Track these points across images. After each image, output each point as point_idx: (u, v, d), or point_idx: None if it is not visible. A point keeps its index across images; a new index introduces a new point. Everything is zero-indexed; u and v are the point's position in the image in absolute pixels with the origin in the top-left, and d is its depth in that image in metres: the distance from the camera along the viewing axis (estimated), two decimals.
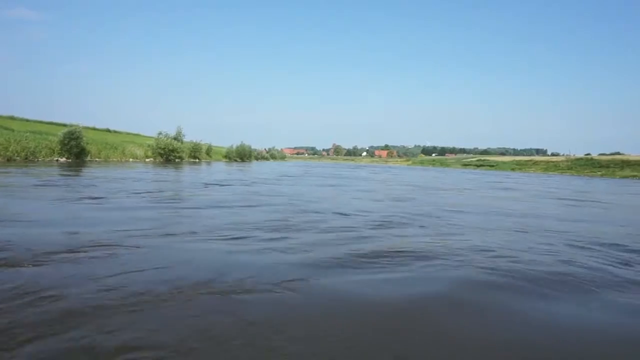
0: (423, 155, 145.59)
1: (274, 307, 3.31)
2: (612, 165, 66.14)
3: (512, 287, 4.06)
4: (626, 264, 5.24)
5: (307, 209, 9.39)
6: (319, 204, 10.43)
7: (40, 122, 39.71)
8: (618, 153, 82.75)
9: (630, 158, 69.02)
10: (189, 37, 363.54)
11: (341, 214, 8.80)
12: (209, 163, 43.00)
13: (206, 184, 15.33)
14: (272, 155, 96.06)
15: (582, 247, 6.18)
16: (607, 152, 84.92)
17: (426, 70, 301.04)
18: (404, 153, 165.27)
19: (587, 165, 69.83)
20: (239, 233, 6.05)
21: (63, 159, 24.71)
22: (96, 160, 27.85)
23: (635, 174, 58.05)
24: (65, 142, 25.27)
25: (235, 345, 2.62)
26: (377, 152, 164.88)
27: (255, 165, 45.20)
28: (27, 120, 38.65)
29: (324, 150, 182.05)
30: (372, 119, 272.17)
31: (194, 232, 6.06)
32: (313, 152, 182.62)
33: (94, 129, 46.35)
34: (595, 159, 73.56)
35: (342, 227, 6.99)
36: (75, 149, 25.89)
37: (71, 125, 26.24)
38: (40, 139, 24.81)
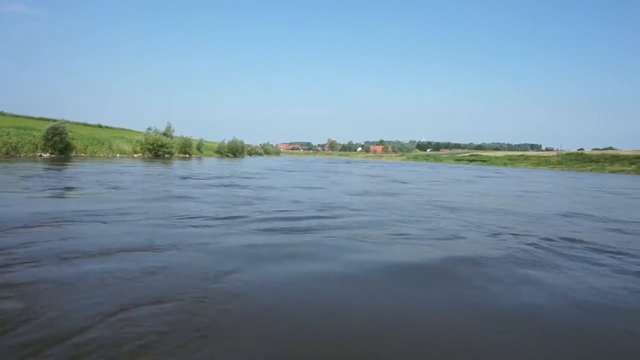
0: (417, 151, 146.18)
1: (178, 260, 4.22)
2: (602, 160, 66.57)
3: (405, 270, 4.46)
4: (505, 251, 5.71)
5: (264, 197, 9.84)
6: (280, 195, 10.78)
7: (30, 117, 39.53)
8: (611, 148, 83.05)
9: (620, 153, 69.39)
10: (188, 35, 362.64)
11: (294, 201, 9.26)
12: (199, 158, 43.16)
13: (183, 177, 15.64)
14: (266, 150, 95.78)
15: (482, 236, 6.75)
16: (601, 147, 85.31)
17: (422, 66, 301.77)
18: (399, 148, 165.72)
19: (577, 160, 70.29)
20: (183, 219, 6.54)
21: (46, 155, 24.77)
22: (81, 156, 27.94)
23: (624, 168, 58.57)
24: (49, 137, 25.10)
25: (136, 277, 3.61)
26: (372, 148, 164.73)
27: (246, 161, 45.44)
28: (16, 116, 38.57)
29: (319, 145, 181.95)
30: (367, 114, 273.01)
31: (147, 213, 6.82)
32: (308, 147, 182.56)
33: (85, 124, 46.38)
34: (586, 154, 73.98)
35: (282, 216, 7.38)
36: (59, 145, 25.82)
37: (57, 121, 26.27)
38: (24, 135, 24.83)
